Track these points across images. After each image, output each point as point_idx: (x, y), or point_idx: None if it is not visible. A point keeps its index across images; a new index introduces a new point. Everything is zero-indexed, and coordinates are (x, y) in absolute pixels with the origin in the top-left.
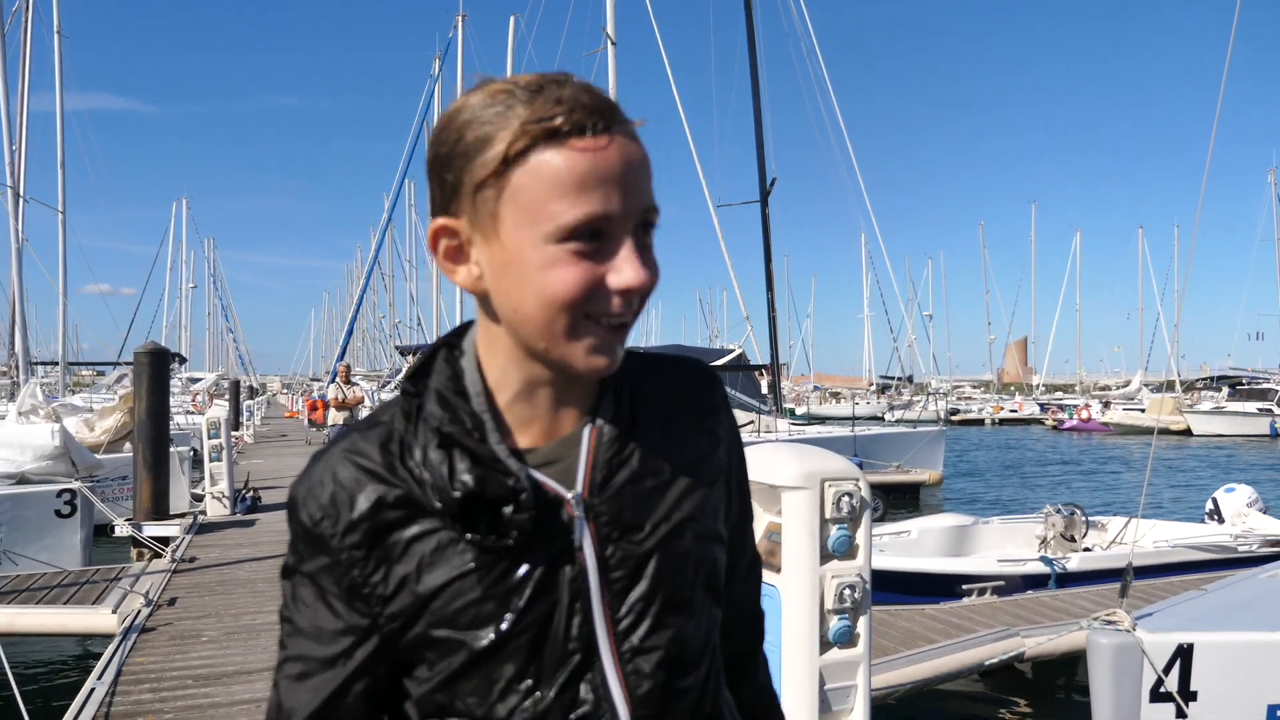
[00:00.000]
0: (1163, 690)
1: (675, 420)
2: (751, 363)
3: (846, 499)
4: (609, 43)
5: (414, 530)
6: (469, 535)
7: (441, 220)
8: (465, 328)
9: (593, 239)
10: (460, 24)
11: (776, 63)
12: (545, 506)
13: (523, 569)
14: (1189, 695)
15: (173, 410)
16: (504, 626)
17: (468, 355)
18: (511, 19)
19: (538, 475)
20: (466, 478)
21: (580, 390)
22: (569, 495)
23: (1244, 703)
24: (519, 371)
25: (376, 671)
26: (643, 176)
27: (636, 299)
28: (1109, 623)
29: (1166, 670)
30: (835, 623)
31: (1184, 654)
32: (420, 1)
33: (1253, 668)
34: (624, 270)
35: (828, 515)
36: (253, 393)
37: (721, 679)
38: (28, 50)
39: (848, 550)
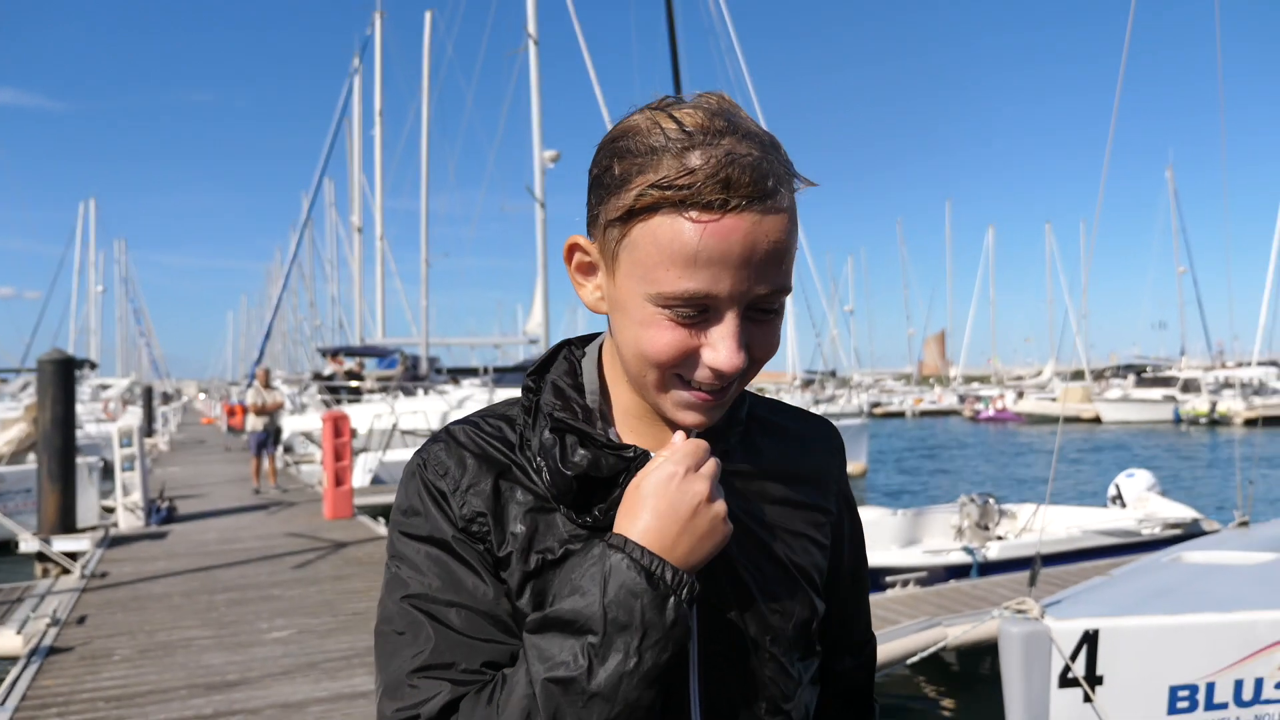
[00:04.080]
0: (1070, 675)
1: (788, 466)
2: None
3: None
4: (530, 41)
5: (519, 504)
6: (577, 518)
7: (579, 237)
8: (592, 336)
9: (695, 312)
10: (378, 20)
11: (697, 59)
12: None
13: None
14: (1095, 680)
15: (83, 419)
16: None
17: (589, 357)
18: (427, 15)
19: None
20: (578, 458)
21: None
22: None
23: (1147, 684)
24: (628, 393)
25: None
26: (770, 261)
27: (733, 376)
28: (1019, 612)
29: (1074, 656)
30: None
31: (1090, 640)
32: None
33: (1154, 651)
34: (719, 349)
35: None
36: (167, 399)
37: None
38: None
39: None
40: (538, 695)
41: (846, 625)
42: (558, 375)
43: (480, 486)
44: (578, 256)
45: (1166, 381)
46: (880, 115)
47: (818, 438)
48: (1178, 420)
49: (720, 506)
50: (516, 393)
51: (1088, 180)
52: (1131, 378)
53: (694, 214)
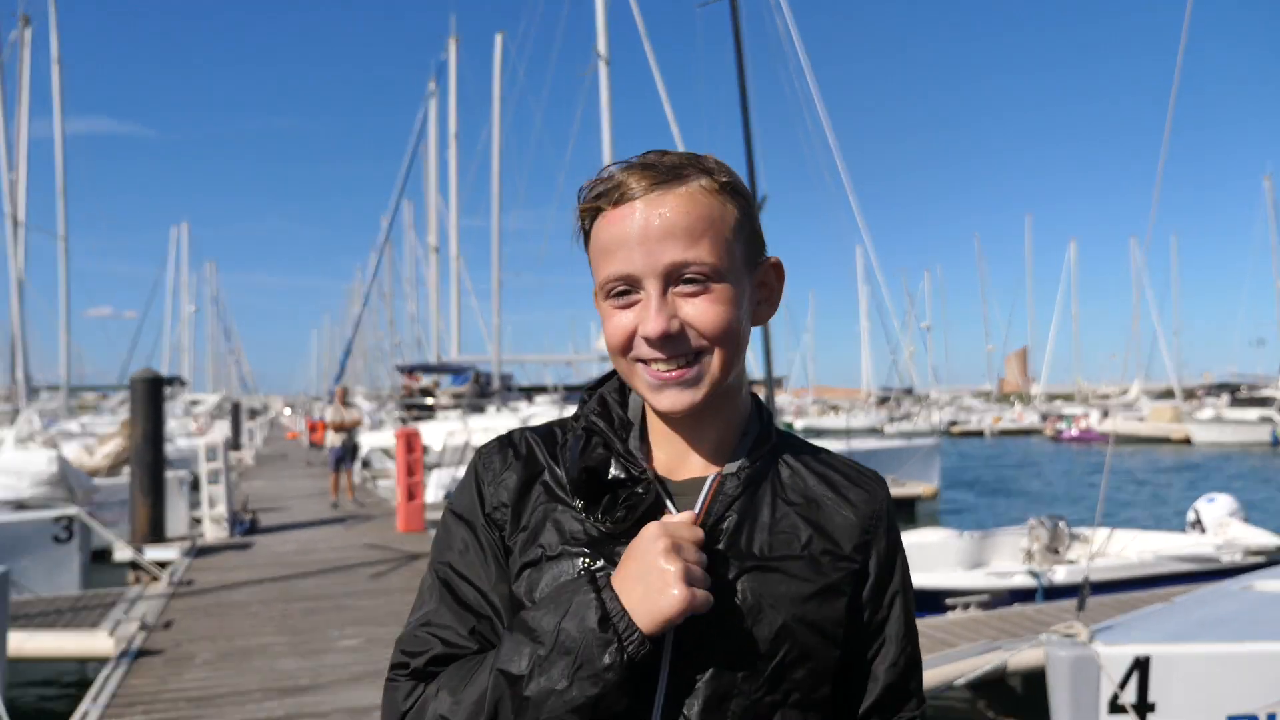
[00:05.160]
0: (1120, 702)
1: (815, 510)
2: (749, 377)
3: None
4: (601, 61)
5: (546, 503)
6: (585, 511)
7: None
8: None
9: (625, 294)
10: (453, 46)
11: (766, 78)
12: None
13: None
14: (1147, 707)
15: (175, 434)
16: None
17: None
18: (498, 37)
19: (665, 487)
20: (595, 456)
21: (715, 437)
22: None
23: (1203, 713)
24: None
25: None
26: (670, 235)
27: (675, 344)
28: (1067, 635)
29: (1123, 683)
30: None
31: (1141, 666)
32: (415, 23)
33: (1212, 678)
34: (644, 320)
35: None
36: (254, 414)
37: None
38: (25, 78)
39: None
40: (490, 680)
41: (876, 685)
42: (608, 389)
43: (510, 480)
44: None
45: (1263, 401)
46: (957, 135)
47: (857, 489)
48: (1275, 443)
49: (676, 578)
50: None
51: (1175, 192)
52: (1225, 397)
53: (605, 211)
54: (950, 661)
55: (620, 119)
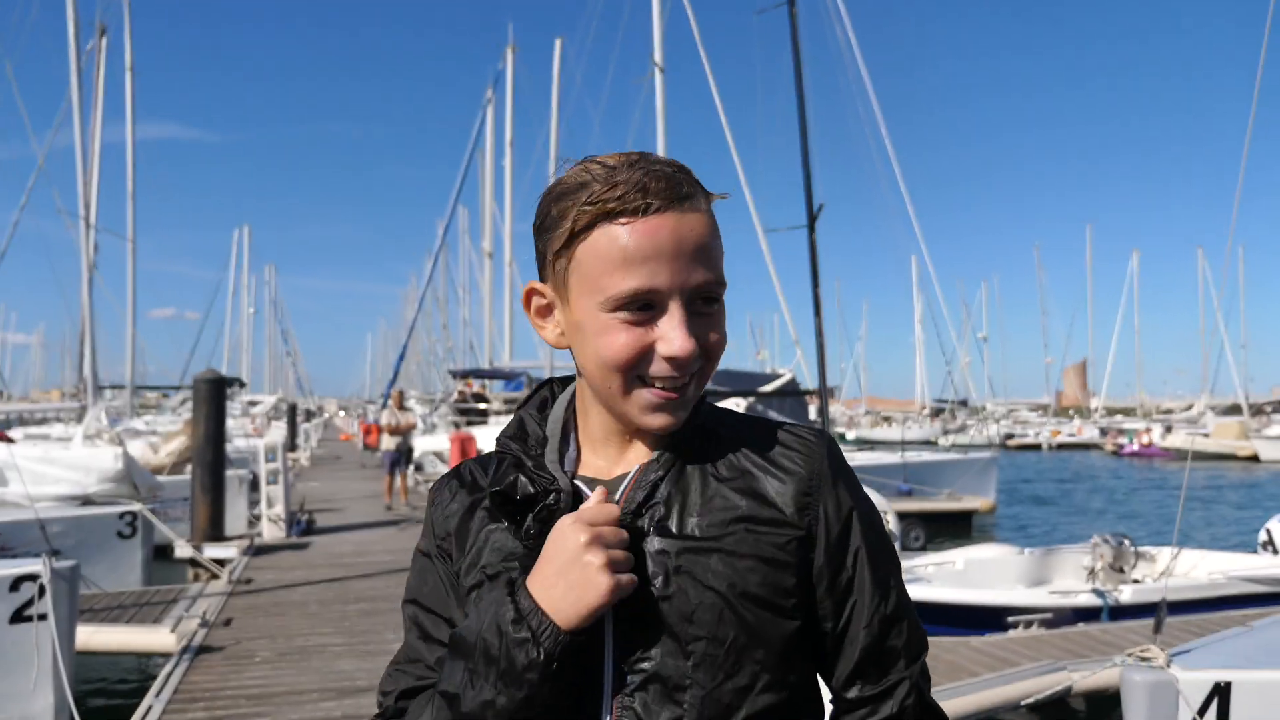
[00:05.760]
0: None
1: (750, 480)
2: (802, 387)
3: None
4: (657, 70)
5: (488, 525)
6: (510, 527)
7: (533, 283)
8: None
9: (643, 309)
10: (510, 55)
11: (823, 86)
12: None
13: None
14: None
15: (232, 433)
16: None
17: (565, 393)
18: (557, 42)
19: (580, 485)
20: (505, 477)
21: (652, 440)
22: None
23: None
24: (598, 415)
25: None
26: (699, 254)
27: (689, 365)
28: (1143, 659)
29: (1203, 709)
30: None
31: (1221, 692)
32: (473, 32)
33: None
34: (671, 339)
35: None
36: (309, 415)
37: None
38: (101, 86)
39: None
40: (434, 706)
41: (853, 649)
42: (528, 408)
43: (454, 511)
44: (535, 300)
45: None
46: (1016, 144)
47: (793, 451)
48: None
49: (598, 569)
50: None
51: (1244, 201)
52: None
53: (623, 219)
54: (1013, 681)
55: (678, 125)
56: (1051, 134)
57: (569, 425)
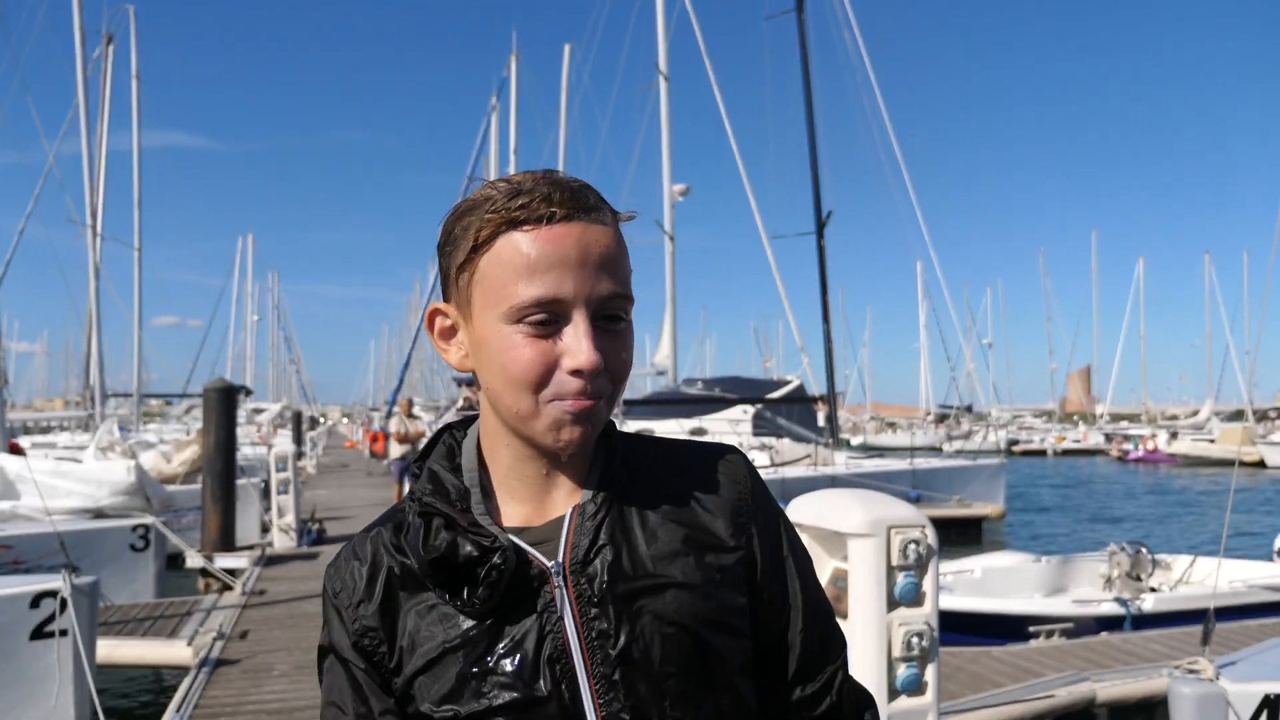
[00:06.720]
0: None
1: (684, 508)
2: (808, 393)
3: (913, 546)
4: (661, 78)
5: (414, 603)
6: (450, 599)
7: (435, 303)
8: (473, 418)
9: (547, 322)
10: (514, 63)
11: (832, 93)
12: (531, 580)
13: (507, 642)
14: None
15: (239, 442)
16: (492, 700)
17: (470, 436)
18: (566, 48)
19: (521, 543)
20: (439, 540)
21: (571, 469)
22: (549, 564)
23: None
24: (508, 448)
25: None
26: (605, 265)
27: (596, 381)
28: (1191, 671)
29: None
30: (903, 671)
31: (1271, 705)
32: (477, 38)
33: None
34: (575, 352)
35: (894, 563)
36: (314, 423)
37: None
38: (107, 94)
39: (915, 598)
40: None
41: (793, 654)
42: (435, 460)
43: (370, 599)
44: (438, 322)
45: None
46: (1023, 149)
47: (716, 473)
48: None
49: None
50: (645, 424)
51: (1249, 206)
52: None
53: (527, 227)
54: (1036, 691)
55: (684, 131)
56: (1057, 140)
57: (481, 473)
